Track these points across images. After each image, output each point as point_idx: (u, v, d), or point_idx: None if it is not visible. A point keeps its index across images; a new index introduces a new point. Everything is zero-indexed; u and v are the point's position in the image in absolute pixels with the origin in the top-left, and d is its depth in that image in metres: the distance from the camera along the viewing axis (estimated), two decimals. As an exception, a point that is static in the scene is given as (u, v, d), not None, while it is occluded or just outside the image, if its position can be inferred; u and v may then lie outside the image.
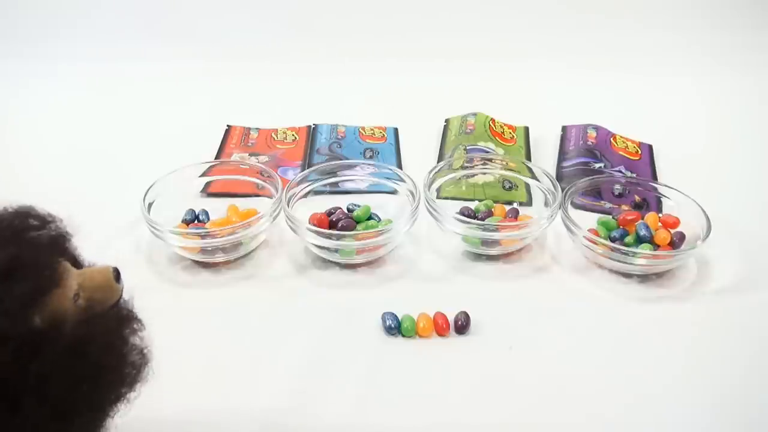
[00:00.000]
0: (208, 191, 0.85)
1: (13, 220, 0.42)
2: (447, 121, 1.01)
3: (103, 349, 0.42)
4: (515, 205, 0.82)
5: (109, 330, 0.43)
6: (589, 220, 0.77)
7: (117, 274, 0.45)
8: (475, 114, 0.99)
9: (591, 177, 0.81)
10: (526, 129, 1.00)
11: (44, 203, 0.46)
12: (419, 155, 0.95)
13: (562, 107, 1.06)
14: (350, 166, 0.85)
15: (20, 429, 0.38)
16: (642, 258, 0.69)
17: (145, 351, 0.46)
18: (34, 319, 0.39)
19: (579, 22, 1.20)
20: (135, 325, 0.46)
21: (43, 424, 0.39)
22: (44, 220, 0.43)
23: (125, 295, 0.46)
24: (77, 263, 0.45)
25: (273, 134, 0.99)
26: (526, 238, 0.75)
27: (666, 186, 0.79)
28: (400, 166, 0.92)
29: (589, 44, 1.18)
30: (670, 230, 0.74)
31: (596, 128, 0.97)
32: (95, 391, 0.42)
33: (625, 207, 0.81)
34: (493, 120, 0.98)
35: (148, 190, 0.75)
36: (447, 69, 1.13)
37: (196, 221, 0.78)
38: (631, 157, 0.93)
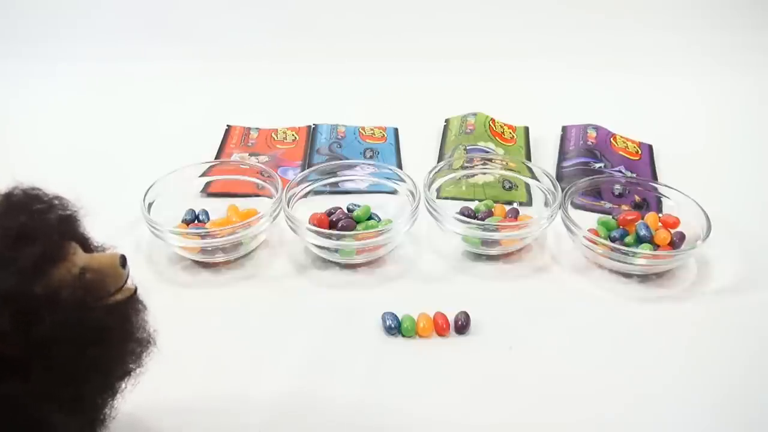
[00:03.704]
0: (208, 191, 0.85)
1: (24, 197, 0.44)
2: (447, 121, 1.01)
3: (105, 315, 0.43)
4: (515, 205, 0.82)
5: (111, 302, 0.44)
6: (589, 220, 0.77)
7: (123, 260, 0.45)
8: (475, 114, 0.99)
9: (591, 177, 0.81)
10: (526, 129, 1.00)
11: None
12: (419, 155, 0.95)
13: (562, 107, 1.06)
14: (350, 166, 0.85)
15: (33, 396, 0.39)
16: (642, 258, 0.69)
17: (150, 330, 0.47)
18: (36, 287, 0.40)
19: (579, 22, 1.21)
20: (138, 306, 0.47)
21: (53, 390, 0.40)
22: (53, 201, 0.45)
23: (130, 282, 0.47)
24: (86, 244, 0.46)
25: (273, 134, 0.99)
26: (526, 238, 0.75)
27: (666, 186, 0.79)
28: (400, 166, 0.92)
29: (589, 44, 1.18)
30: (670, 230, 0.74)
31: (596, 128, 0.97)
32: (100, 359, 0.43)
33: (625, 207, 0.81)
34: (493, 120, 0.98)
35: (148, 190, 0.75)
36: (447, 69, 1.13)
37: (196, 221, 0.78)
38: (631, 157, 0.93)
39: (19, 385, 0.39)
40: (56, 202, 0.45)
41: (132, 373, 0.47)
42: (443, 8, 1.21)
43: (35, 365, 0.39)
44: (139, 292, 0.47)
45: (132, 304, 0.46)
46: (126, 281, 0.46)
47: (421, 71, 1.13)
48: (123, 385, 0.47)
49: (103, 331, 0.43)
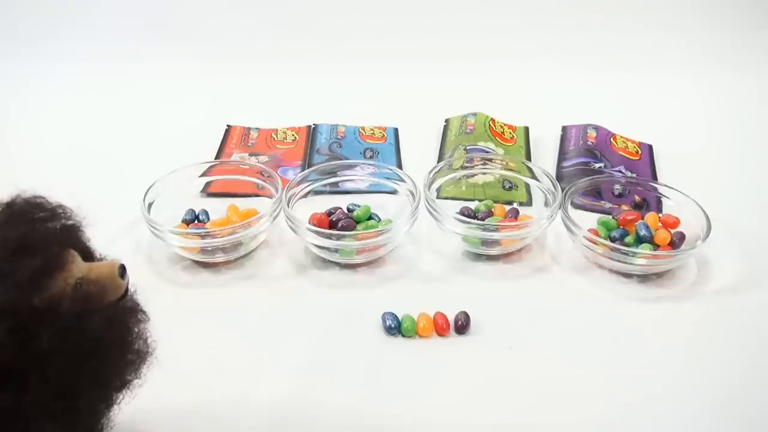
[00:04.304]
0: (208, 191, 0.85)
1: (26, 206, 0.43)
2: (447, 121, 1.01)
3: (104, 326, 0.42)
4: (515, 205, 0.82)
5: (110, 312, 0.44)
6: (589, 220, 0.77)
7: (123, 270, 0.44)
8: (475, 114, 0.99)
9: (591, 177, 0.81)
10: (526, 129, 1.00)
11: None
12: (419, 155, 0.95)
13: (562, 107, 1.06)
14: (350, 166, 0.85)
15: (28, 408, 0.39)
16: (642, 258, 0.69)
17: (149, 340, 0.47)
18: (34, 299, 0.39)
19: (579, 22, 1.21)
20: (139, 316, 0.46)
21: (48, 402, 0.40)
22: (55, 210, 0.44)
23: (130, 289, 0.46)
24: (87, 254, 0.46)
25: (273, 134, 0.99)
26: (526, 238, 0.75)
27: (666, 186, 0.79)
28: (400, 166, 0.92)
29: (589, 44, 1.18)
30: (670, 230, 0.74)
31: (596, 128, 0.97)
32: (98, 371, 0.42)
33: (625, 207, 0.81)
34: (493, 120, 0.98)
35: (148, 190, 0.75)
36: (447, 69, 1.13)
37: (196, 221, 0.78)
38: (631, 157, 0.93)
39: (17, 396, 0.38)
40: (59, 210, 0.44)
41: (130, 385, 0.47)
42: (443, 8, 1.21)
43: (33, 377, 0.39)
44: (140, 300, 0.46)
45: (133, 314, 0.46)
46: (126, 292, 0.45)
47: (421, 71, 1.13)
48: (121, 396, 0.46)
49: (102, 343, 0.42)
